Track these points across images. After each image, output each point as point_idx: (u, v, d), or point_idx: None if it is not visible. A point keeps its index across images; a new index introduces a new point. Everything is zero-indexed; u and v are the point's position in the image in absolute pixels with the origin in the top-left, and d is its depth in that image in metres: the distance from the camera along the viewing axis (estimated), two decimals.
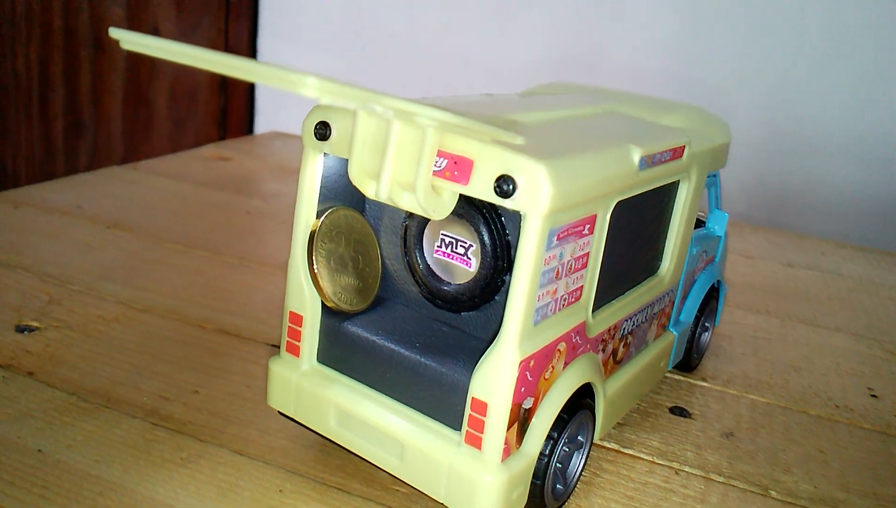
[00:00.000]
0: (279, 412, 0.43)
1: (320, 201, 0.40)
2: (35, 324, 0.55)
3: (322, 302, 0.40)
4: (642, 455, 0.47)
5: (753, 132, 1.08)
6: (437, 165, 0.33)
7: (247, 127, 1.37)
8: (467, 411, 0.35)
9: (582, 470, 0.42)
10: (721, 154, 0.53)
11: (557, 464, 0.39)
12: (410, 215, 0.41)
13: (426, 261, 0.41)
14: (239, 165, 1.09)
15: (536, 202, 0.32)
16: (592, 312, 0.40)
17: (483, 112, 0.40)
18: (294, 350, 0.41)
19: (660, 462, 0.47)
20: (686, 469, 0.46)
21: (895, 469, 0.49)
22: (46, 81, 0.97)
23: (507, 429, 0.35)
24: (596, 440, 0.44)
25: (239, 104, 1.34)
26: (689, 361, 0.57)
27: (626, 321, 0.45)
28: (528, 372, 0.35)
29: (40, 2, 0.94)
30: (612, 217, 0.39)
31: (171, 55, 0.27)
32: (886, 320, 0.75)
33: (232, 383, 0.50)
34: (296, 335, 0.41)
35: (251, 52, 1.34)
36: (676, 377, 0.57)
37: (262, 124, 1.38)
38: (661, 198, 0.46)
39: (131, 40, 0.27)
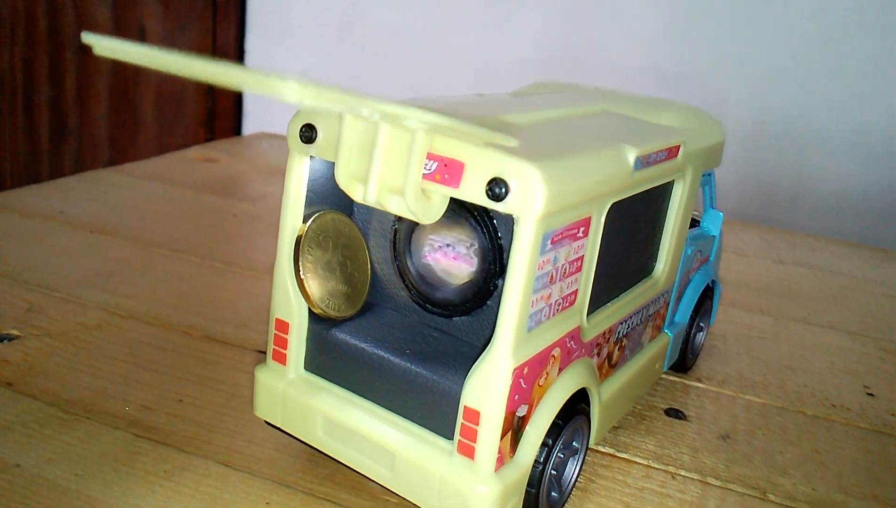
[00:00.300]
0: (266, 421, 0.42)
1: (307, 205, 0.39)
2: (15, 332, 0.54)
3: (309, 309, 0.39)
4: (638, 460, 0.46)
5: (744, 128, 1.08)
6: (427, 167, 0.32)
7: (234, 128, 1.36)
8: (459, 419, 0.34)
9: (577, 477, 0.41)
10: (715, 153, 0.52)
11: (552, 471, 0.38)
12: (400, 219, 0.40)
13: (416, 265, 0.40)
14: (226, 166, 1.08)
15: (530, 206, 0.31)
16: (587, 316, 0.39)
17: (474, 113, 0.39)
18: (280, 358, 0.40)
19: (656, 466, 0.46)
20: (682, 473, 0.45)
21: (893, 469, 0.48)
22: (31, 83, 0.95)
23: (501, 438, 0.34)
24: (591, 445, 0.43)
25: (226, 105, 1.33)
26: (683, 362, 0.56)
27: (622, 323, 0.44)
28: (521, 379, 0.34)
29: (24, 2, 0.92)
30: (607, 219, 0.38)
31: (147, 61, 0.26)
32: (880, 317, 0.75)
33: (218, 392, 0.49)
34: (282, 342, 0.40)
35: (239, 52, 1.33)
36: (671, 378, 0.57)
37: (250, 125, 1.37)
38: (656, 198, 0.45)
39: (105, 46, 0.26)
